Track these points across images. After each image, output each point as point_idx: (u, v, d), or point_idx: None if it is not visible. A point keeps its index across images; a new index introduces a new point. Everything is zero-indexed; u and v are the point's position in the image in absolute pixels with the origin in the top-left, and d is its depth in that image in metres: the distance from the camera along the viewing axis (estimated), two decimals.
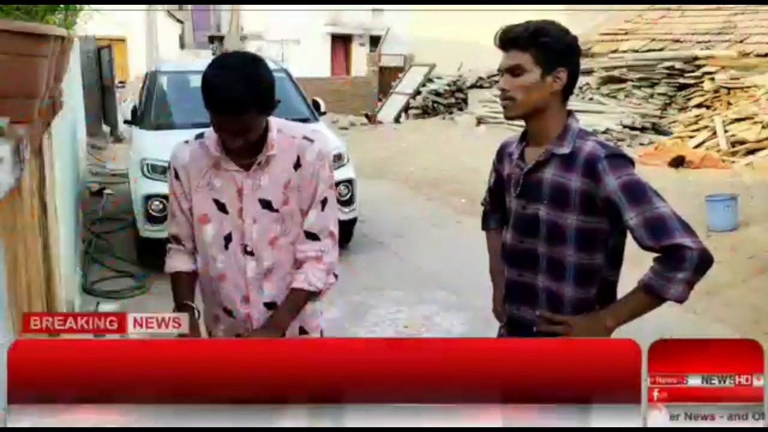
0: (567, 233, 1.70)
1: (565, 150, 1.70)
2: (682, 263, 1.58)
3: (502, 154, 1.92)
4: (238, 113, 1.66)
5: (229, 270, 1.88)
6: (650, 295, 1.64)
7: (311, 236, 1.89)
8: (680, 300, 1.62)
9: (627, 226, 1.64)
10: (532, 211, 1.75)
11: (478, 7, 14.77)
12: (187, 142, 1.90)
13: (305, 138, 1.87)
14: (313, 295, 1.89)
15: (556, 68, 1.68)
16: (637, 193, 1.62)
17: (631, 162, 1.68)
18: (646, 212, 1.60)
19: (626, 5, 15.44)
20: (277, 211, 1.85)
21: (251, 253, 1.86)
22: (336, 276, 1.95)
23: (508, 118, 1.78)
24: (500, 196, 1.93)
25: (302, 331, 2.01)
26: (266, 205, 1.84)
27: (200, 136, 1.89)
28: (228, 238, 1.86)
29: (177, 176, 1.88)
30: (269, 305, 1.91)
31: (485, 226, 2.10)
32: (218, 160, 1.83)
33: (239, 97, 1.64)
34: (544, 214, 1.72)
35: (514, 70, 1.69)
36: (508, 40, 1.70)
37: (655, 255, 1.64)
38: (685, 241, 1.57)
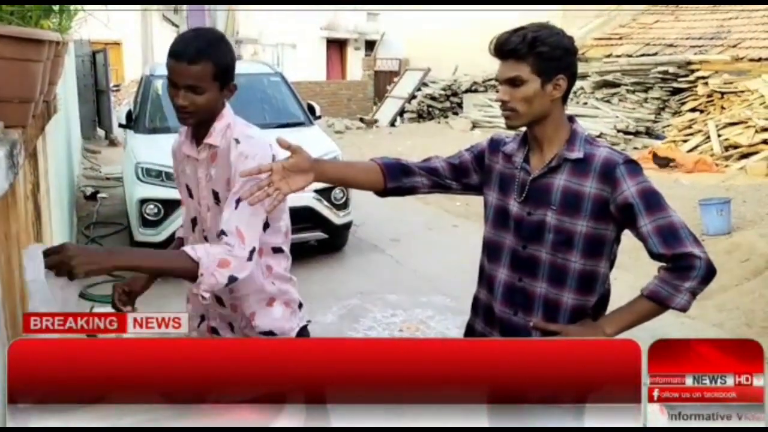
0: (575, 239, 1.69)
1: (578, 155, 1.69)
2: (690, 272, 1.60)
3: (496, 148, 1.86)
4: (189, 60, 1.72)
5: None
6: (655, 303, 1.65)
7: (222, 233, 1.74)
8: (684, 309, 1.64)
9: (638, 233, 1.65)
10: (538, 217, 1.73)
11: (472, 7, 14.80)
12: (181, 130, 2.02)
13: (235, 139, 1.81)
14: (188, 264, 1.66)
15: (555, 76, 1.66)
16: (653, 200, 1.63)
17: (643, 171, 1.69)
18: (660, 220, 1.62)
19: (622, 5, 15.50)
20: (219, 204, 1.85)
21: (206, 239, 1.92)
22: (233, 279, 1.71)
23: (510, 128, 1.76)
24: (458, 171, 1.88)
25: (271, 334, 1.95)
26: (215, 195, 1.87)
27: None
28: (194, 222, 1.96)
29: (173, 159, 2.04)
30: (217, 298, 1.95)
31: (388, 164, 1.85)
32: (187, 145, 1.92)
33: (191, 44, 1.74)
34: (552, 219, 1.70)
35: (513, 81, 1.67)
36: (505, 50, 1.67)
37: (661, 264, 1.66)
38: (695, 251, 1.60)
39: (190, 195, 1.95)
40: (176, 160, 2.01)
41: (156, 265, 1.73)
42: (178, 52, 1.74)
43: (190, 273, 1.66)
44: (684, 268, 1.60)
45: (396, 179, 1.86)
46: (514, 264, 1.80)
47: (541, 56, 1.64)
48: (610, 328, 1.69)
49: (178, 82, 1.75)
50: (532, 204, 1.74)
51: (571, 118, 1.77)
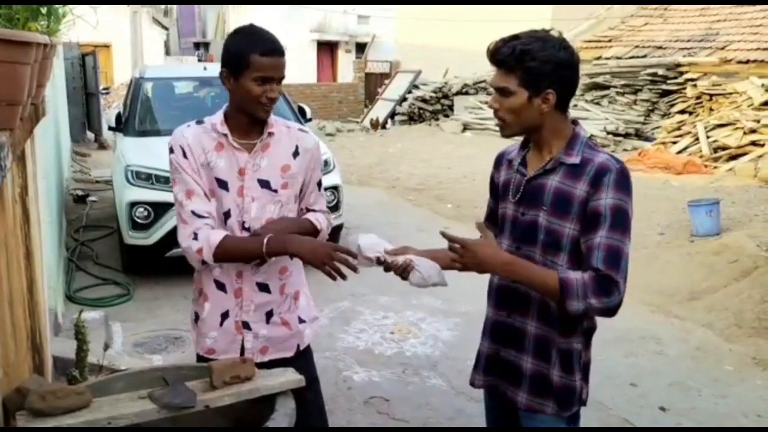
0: (563, 242, 1.69)
1: (575, 160, 1.69)
2: (605, 296, 1.59)
3: (500, 162, 1.90)
4: (283, 54, 1.87)
5: None
6: (559, 288, 1.61)
7: (311, 211, 2.10)
8: (568, 314, 1.63)
9: (589, 240, 1.63)
10: (530, 218, 1.74)
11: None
12: (189, 126, 1.96)
13: (300, 130, 2.05)
14: (311, 228, 2.05)
15: (544, 90, 1.65)
16: (621, 222, 1.63)
17: (631, 188, 1.68)
18: (615, 241, 1.62)
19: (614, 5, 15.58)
20: (275, 191, 1.94)
21: (248, 230, 1.93)
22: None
23: (504, 136, 1.79)
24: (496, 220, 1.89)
25: (302, 321, 2.11)
26: (265, 185, 1.93)
27: (200, 121, 1.96)
28: (227, 215, 1.93)
29: (185, 155, 1.90)
30: (261, 285, 1.98)
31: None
32: (223, 139, 1.91)
33: (274, 40, 1.87)
34: (543, 220, 1.71)
35: (502, 91, 1.68)
36: (496, 60, 1.68)
37: (592, 270, 1.62)
38: (621, 285, 1.61)
39: (223, 188, 1.91)
40: (192, 156, 1.89)
41: (293, 226, 1.99)
42: (277, 45, 1.85)
43: (315, 233, 2.03)
44: (604, 290, 1.60)
45: None
46: None
47: (529, 70, 1.63)
48: (513, 263, 1.66)
49: (274, 77, 1.86)
50: (525, 204, 1.75)
51: (574, 122, 1.77)
